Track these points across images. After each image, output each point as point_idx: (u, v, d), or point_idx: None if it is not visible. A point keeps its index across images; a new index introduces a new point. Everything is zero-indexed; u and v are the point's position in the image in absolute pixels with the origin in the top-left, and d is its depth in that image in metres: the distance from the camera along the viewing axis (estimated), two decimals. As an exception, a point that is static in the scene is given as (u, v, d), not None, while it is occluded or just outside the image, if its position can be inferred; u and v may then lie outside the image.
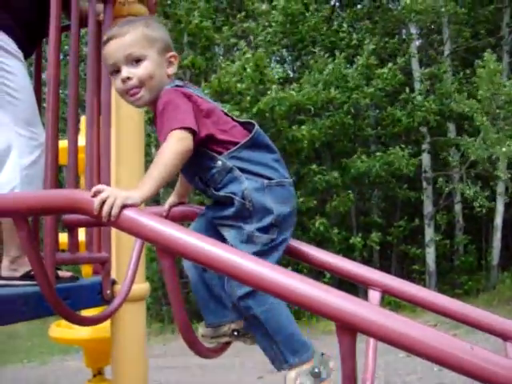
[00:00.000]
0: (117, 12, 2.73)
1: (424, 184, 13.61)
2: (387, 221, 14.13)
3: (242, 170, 1.70)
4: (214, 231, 1.75)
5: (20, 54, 2.52)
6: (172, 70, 1.81)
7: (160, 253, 1.40)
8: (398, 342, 1.20)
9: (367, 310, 1.24)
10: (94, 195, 1.44)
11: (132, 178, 2.75)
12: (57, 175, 2.25)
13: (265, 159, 1.75)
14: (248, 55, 12.18)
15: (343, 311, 1.23)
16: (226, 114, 1.81)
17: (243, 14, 13.96)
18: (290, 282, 1.26)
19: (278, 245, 1.74)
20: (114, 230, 2.59)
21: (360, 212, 14.55)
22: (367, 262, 12.49)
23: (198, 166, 1.72)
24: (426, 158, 13.67)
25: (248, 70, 12.01)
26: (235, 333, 1.80)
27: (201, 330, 1.84)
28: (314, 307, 1.27)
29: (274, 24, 13.32)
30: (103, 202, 1.42)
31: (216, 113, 1.75)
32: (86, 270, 3.33)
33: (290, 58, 16.01)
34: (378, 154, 12.79)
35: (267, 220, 1.68)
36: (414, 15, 13.27)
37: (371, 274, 1.95)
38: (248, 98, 11.95)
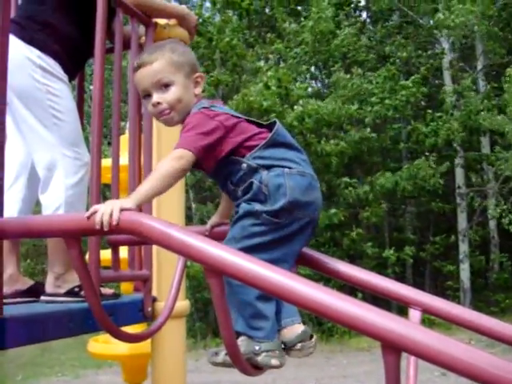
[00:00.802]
0: (158, 35, 2.79)
1: (458, 199, 13.47)
2: (420, 237, 14.01)
3: (266, 167, 1.80)
4: None
5: (65, 78, 2.61)
6: (199, 89, 1.94)
7: (207, 272, 1.43)
8: (443, 362, 1.20)
9: (413, 330, 1.25)
10: (90, 215, 1.56)
11: (173, 195, 2.79)
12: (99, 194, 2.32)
13: (286, 155, 1.85)
14: (270, 73, 12.25)
15: (389, 331, 1.24)
16: (251, 121, 1.91)
17: (273, 34, 14.06)
18: (339, 304, 1.27)
19: (291, 234, 1.80)
20: (154, 248, 2.64)
21: (393, 228, 14.44)
22: (400, 278, 12.38)
23: (228, 171, 1.85)
24: (459, 173, 13.54)
25: (272, 87, 12.08)
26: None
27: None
28: (360, 327, 1.29)
29: (303, 43, 13.40)
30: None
31: (240, 125, 1.86)
32: (125, 286, 3.38)
33: (320, 75, 16.03)
34: (404, 167, 12.67)
35: (279, 204, 1.76)
36: (447, 31, 13.22)
37: (410, 292, 1.96)
38: (273, 114, 12.01)
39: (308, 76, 15.36)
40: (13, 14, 2.66)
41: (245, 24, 14.46)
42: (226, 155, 1.82)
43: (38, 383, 10.08)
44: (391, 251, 12.19)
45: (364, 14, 16.44)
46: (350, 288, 10.07)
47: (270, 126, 1.90)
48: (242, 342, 1.73)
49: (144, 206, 2.58)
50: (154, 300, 2.67)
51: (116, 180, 2.47)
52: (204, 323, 12.95)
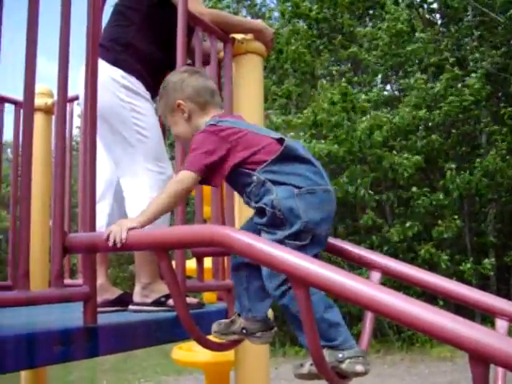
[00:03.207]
0: (236, 50, 2.86)
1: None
2: (504, 241, 13.46)
3: (274, 182, 1.84)
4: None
5: (148, 95, 2.71)
6: (186, 115, 2.07)
7: (293, 284, 1.46)
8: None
9: (501, 341, 1.22)
10: (107, 236, 1.73)
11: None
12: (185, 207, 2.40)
13: (296, 169, 1.87)
14: (333, 91, 12.20)
15: (477, 342, 1.23)
16: (260, 134, 1.95)
17: (341, 38, 13.99)
18: (427, 315, 1.27)
19: (316, 250, 1.86)
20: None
21: (474, 233, 13.97)
22: (482, 286, 11.96)
23: (241, 183, 1.91)
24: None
25: (338, 104, 12.02)
26: (244, 331, 1.98)
27: (214, 326, 2.06)
28: (448, 337, 1.28)
29: (380, 44, 13.27)
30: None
31: (246, 138, 1.90)
32: (208, 296, 3.45)
33: (394, 77, 15.75)
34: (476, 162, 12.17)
35: (296, 227, 1.79)
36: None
37: (496, 301, 1.91)
38: (342, 129, 11.95)
39: (380, 81, 15.10)
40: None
41: (315, 33, 14.45)
42: (234, 169, 1.89)
43: (123, 389, 10.38)
44: (468, 265, 11.70)
45: (437, 16, 16.06)
46: (430, 295, 9.82)
47: (279, 141, 1.92)
48: (325, 352, 1.74)
49: (227, 218, 2.65)
50: (238, 309, 2.71)
51: (199, 193, 2.53)
52: (282, 331, 12.96)
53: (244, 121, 2.07)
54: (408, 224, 11.67)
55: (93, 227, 1.86)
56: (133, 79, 2.67)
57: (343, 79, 12.59)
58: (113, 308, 2.63)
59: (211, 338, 2.53)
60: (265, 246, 1.50)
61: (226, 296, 2.65)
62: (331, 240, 2.14)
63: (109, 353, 1.92)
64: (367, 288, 1.36)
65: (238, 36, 2.90)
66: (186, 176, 1.84)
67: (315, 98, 12.98)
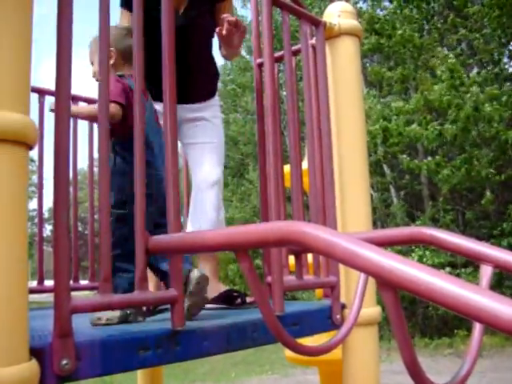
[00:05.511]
0: (328, 33, 2.69)
1: None
2: None
3: None
4: None
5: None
6: (111, 61, 2.34)
7: (380, 286, 1.30)
8: None
9: None
10: None
11: (357, 198, 2.68)
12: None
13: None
14: (442, 68, 11.69)
15: None
16: None
17: (457, 18, 13.31)
18: None
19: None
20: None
21: None
22: None
23: None
24: None
25: (446, 80, 11.49)
26: None
27: None
28: None
29: (487, 22, 12.51)
30: None
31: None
32: (321, 292, 3.33)
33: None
34: None
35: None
36: None
37: None
38: (453, 108, 11.39)
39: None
40: None
41: (428, 12, 13.85)
42: None
43: (250, 380, 10.49)
44: None
45: None
46: None
47: None
48: None
49: (328, 217, 2.51)
50: (343, 307, 2.56)
51: (297, 190, 2.41)
52: (411, 322, 12.55)
53: None
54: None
55: (177, 228, 1.80)
56: None
57: (452, 59, 11.98)
58: (213, 306, 2.63)
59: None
60: (348, 244, 1.34)
61: (330, 293, 2.51)
62: (429, 230, 1.92)
63: (199, 356, 1.84)
64: (471, 295, 1.10)
65: (330, 18, 2.73)
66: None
67: (423, 80, 12.50)
